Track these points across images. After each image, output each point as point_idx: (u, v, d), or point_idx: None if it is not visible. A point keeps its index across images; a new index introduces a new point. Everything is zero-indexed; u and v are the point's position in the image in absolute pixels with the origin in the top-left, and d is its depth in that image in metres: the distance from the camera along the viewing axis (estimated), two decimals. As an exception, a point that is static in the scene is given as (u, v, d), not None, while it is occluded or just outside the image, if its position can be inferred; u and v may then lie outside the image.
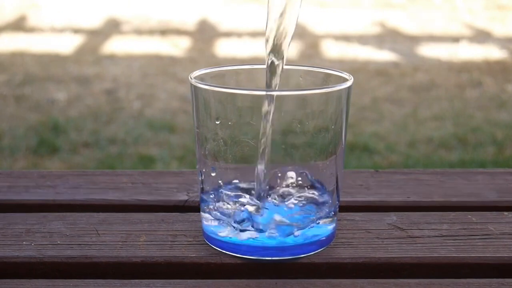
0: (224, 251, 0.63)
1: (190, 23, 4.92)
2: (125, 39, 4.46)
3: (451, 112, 3.07)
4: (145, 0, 5.59)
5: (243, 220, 0.61)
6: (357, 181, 0.80)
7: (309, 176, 0.62)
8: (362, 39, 4.49)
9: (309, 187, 0.63)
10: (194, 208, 0.72)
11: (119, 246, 0.65)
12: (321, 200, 0.63)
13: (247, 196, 0.62)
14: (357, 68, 3.74)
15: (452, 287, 0.59)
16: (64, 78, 3.51)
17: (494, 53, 4.19)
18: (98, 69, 3.70)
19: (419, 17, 5.27)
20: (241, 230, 0.61)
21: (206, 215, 0.64)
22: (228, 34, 4.61)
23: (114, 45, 4.28)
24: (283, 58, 0.63)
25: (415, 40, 4.53)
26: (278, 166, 0.62)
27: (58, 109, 3.03)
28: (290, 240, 0.62)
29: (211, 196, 0.63)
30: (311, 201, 0.63)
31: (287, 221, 0.61)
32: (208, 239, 0.65)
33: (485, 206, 0.75)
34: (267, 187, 0.62)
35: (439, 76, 3.67)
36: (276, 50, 0.63)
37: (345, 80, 0.64)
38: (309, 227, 0.61)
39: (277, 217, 0.61)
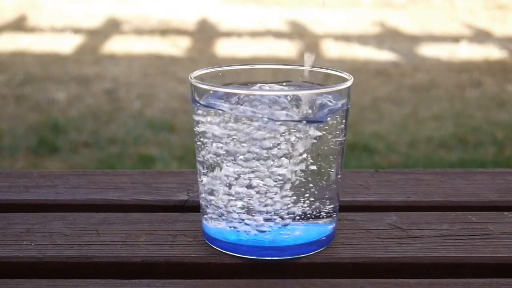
0: (224, 251, 0.63)
1: (190, 23, 4.92)
2: (125, 39, 4.46)
3: (451, 112, 3.07)
4: (145, 0, 5.59)
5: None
6: (357, 181, 0.80)
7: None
8: (362, 39, 4.49)
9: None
10: (194, 208, 0.72)
11: (119, 246, 0.65)
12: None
13: None
14: (357, 68, 3.74)
15: (452, 287, 0.59)
16: (64, 78, 3.51)
17: (494, 53, 4.19)
18: (98, 69, 3.70)
19: (419, 17, 5.27)
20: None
21: (207, 215, 0.64)
22: (228, 34, 4.61)
23: (114, 45, 4.28)
24: None
25: (415, 40, 4.53)
26: None
27: (58, 109, 3.03)
28: (290, 240, 0.62)
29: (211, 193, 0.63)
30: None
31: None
32: (208, 239, 0.65)
33: (485, 206, 0.75)
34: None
35: (439, 76, 3.67)
36: None
37: (345, 80, 0.64)
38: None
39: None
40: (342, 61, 3.93)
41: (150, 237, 0.66)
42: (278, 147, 0.60)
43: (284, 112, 0.60)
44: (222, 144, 0.61)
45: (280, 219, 0.62)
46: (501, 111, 3.10)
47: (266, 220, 0.61)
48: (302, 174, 0.61)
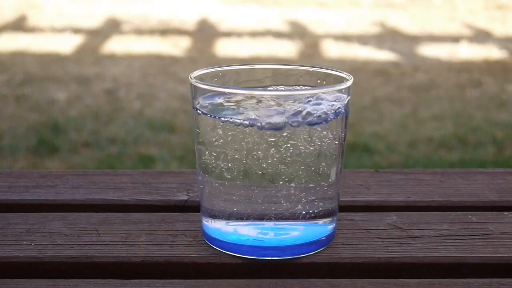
0: (224, 251, 0.63)
1: (190, 23, 4.92)
2: (125, 39, 4.46)
3: (451, 112, 3.07)
4: (145, 0, 5.59)
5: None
6: (357, 181, 0.80)
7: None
8: (362, 39, 4.49)
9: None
10: (194, 208, 0.72)
11: (119, 246, 0.65)
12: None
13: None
14: (357, 68, 3.74)
15: (452, 287, 0.59)
16: (64, 78, 3.51)
17: (494, 53, 4.19)
18: (98, 69, 3.70)
19: (419, 17, 5.27)
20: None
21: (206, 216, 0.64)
22: (228, 34, 4.61)
23: (114, 45, 4.28)
24: None
25: (415, 40, 4.53)
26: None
27: (58, 109, 3.03)
28: (290, 240, 0.62)
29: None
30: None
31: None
32: (208, 239, 0.65)
33: (485, 206, 0.75)
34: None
35: (439, 76, 3.67)
36: None
37: (345, 80, 0.64)
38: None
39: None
40: (342, 61, 3.93)
41: (150, 237, 0.66)
42: (278, 149, 0.60)
43: (280, 116, 0.60)
44: (222, 146, 0.61)
45: (280, 219, 0.62)
46: (501, 111, 3.11)
47: (266, 220, 0.61)
48: (302, 174, 0.61)
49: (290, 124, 0.60)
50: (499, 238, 0.67)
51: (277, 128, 0.60)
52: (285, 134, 0.60)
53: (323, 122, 0.61)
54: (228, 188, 0.62)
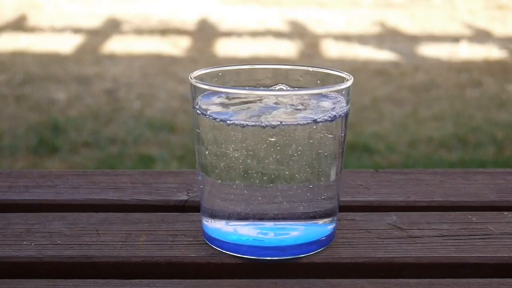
0: (224, 251, 0.63)
1: (190, 23, 4.92)
2: (125, 39, 4.46)
3: (451, 112, 3.07)
4: (145, 0, 5.59)
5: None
6: (357, 181, 0.80)
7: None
8: (362, 39, 4.49)
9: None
10: (194, 208, 0.72)
11: (119, 246, 0.65)
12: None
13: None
14: (357, 68, 3.74)
15: (452, 287, 0.59)
16: (64, 78, 3.51)
17: (494, 53, 4.19)
18: (98, 69, 3.70)
19: (419, 17, 5.27)
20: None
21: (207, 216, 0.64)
22: (228, 34, 4.61)
23: (114, 45, 4.28)
24: None
25: (415, 40, 4.53)
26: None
27: (58, 109, 3.03)
28: (290, 240, 0.62)
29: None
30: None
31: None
32: (208, 239, 0.65)
33: (485, 206, 0.75)
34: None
35: (439, 76, 3.67)
36: None
37: (345, 80, 0.64)
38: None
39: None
40: (342, 61, 3.93)
41: (150, 237, 0.66)
42: (277, 148, 0.60)
43: (280, 116, 0.60)
44: (222, 146, 0.61)
45: (280, 219, 0.62)
46: (501, 111, 3.10)
47: (266, 220, 0.61)
48: (302, 174, 0.61)
49: (290, 124, 0.60)
50: (499, 238, 0.67)
51: (276, 128, 0.60)
52: (285, 134, 0.60)
53: (323, 122, 0.61)
54: (228, 188, 0.62)
